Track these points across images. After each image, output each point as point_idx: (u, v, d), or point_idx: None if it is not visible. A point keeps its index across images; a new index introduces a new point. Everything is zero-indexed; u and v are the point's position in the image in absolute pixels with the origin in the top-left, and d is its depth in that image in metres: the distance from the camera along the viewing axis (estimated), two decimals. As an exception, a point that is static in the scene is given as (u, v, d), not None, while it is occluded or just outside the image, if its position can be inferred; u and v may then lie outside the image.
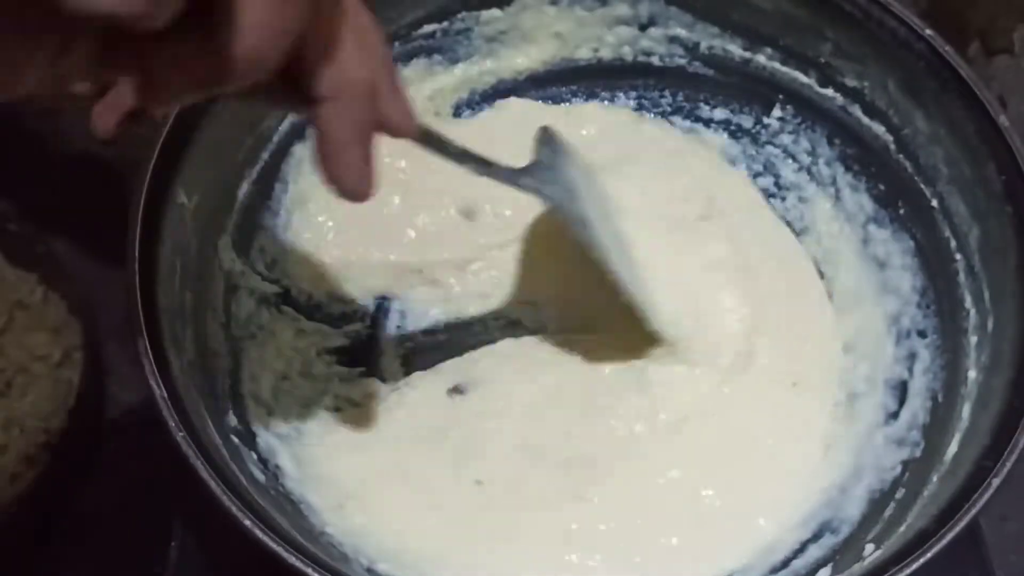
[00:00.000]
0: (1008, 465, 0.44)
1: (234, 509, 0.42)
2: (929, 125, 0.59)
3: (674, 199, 0.64)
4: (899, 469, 0.54)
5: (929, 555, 0.42)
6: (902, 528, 0.48)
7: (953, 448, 0.50)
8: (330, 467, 0.56)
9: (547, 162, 0.55)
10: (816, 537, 0.54)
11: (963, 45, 0.83)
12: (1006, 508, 0.64)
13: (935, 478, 0.49)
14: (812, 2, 0.61)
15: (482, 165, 0.50)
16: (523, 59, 0.69)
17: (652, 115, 0.70)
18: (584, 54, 0.70)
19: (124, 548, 0.66)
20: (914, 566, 0.42)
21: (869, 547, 0.49)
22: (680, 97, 0.70)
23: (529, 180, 0.53)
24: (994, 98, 0.56)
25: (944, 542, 0.42)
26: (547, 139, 0.57)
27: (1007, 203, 0.53)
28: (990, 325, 0.53)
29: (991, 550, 0.57)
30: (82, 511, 0.67)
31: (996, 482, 0.44)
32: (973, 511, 0.43)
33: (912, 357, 0.59)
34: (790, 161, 0.68)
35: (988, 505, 0.43)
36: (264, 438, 0.56)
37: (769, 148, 0.68)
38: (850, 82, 0.63)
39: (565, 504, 0.56)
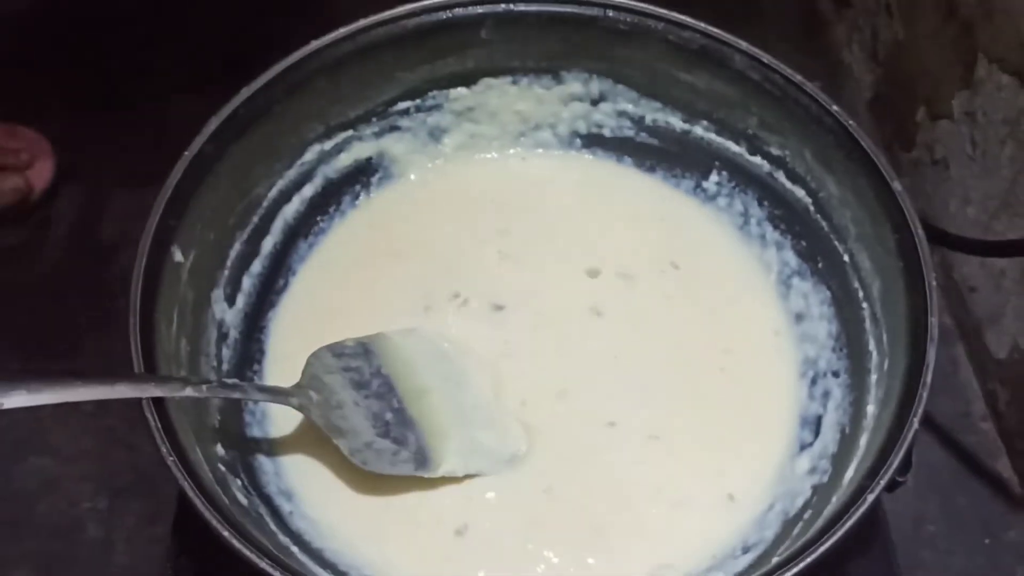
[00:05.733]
0: (883, 482, 0.50)
1: (214, 521, 0.48)
2: (839, 189, 0.65)
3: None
4: (809, 493, 0.60)
5: (803, 564, 0.48)
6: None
7: (850, 473, 0.56)
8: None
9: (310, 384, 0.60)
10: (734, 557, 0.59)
11: (912, 111, 0.89)
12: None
13: (835, 499, 0.56)
14: (739, 82, 0.68)
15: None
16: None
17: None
18: (544, 128, 0.77)
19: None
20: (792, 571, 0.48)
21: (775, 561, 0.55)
22: (629, 163, 0.77)
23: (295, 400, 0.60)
24: (892, 168, 0.62)
25: (822, 550, 0.49)
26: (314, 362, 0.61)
27: (899, 258, 0.59)
28: (886, 365, 0.59)
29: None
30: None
31: (871, 497, 0.50)
32: (850, 522, 0.49)
33: (827, 395, 0.65)
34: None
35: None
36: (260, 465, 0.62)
37: (707, 209, 0.75)
38: (774, 151, 0.70)
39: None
